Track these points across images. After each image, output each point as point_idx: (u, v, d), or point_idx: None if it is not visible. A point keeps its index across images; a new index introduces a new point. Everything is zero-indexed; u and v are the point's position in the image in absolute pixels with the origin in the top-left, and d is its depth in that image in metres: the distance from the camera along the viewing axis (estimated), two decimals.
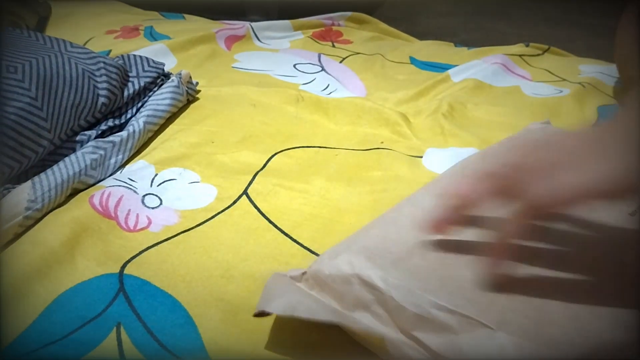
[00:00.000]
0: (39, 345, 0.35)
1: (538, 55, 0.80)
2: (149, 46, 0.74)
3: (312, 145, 0.57)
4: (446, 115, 0.62)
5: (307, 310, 0.34)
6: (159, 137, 0.57)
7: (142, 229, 0.45)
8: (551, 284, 0.33)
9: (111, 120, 0.56)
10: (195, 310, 0.38)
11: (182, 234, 0.44)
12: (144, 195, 0.48)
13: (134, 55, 0.63)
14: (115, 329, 0.37)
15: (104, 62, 0.57)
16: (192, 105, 0.63)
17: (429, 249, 0.36)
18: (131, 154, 0.54)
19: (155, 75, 0.62)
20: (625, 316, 0.31)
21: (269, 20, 0.86)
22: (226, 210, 0.47)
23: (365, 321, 0.34)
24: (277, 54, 0.79)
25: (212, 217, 0.46)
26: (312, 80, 0.70)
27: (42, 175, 0.47)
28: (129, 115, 0.58)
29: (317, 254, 0.43)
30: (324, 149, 0.56)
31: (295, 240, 0.44)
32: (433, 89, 0.69)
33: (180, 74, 0.62)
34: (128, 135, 0.54)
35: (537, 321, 0.31)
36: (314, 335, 0.36)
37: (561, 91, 0.68)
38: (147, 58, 0.63)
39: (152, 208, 0.47)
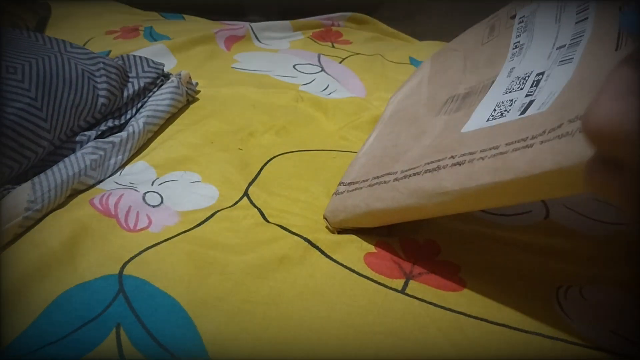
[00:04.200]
0: (38, 346, 0.35)
1: None
2: (149, 46, 0.74)
3: (311, 147, 0.57)
4: None
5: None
6: (158, 137, 0.57)
7: (142, 229, 0.45)
8: None
9: (111, 120, 0.56)
10: (195, 311, 0.38)
11: (182, 234, 0.44)
12: (145, 193, 0.48)
13: (134, 56, 0.63)
14: (114, 329, 0.37)
15: (104, 63, 0.57)
16: (191, 106, 0.63)
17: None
18: (131, 154, 0.54)
19: (155, 75, 0.62)
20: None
21: (268, 21, 0.86)
22: (226, 211, 0.47)
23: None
24: (277, 54, 0.79)
25: (212, 217, 0.46)
26: (312, 81, 0.70)
27: (42, 175, 0.47)
28: (128, 116, 0.58)
29: (317, 247, 0.43)
30: (323, 151, 0.56)
31: (295, 234, 0.44)
32: None
33: (180, 75, 0.62)
34: (128, 135, 0.54)
35: None
36: None
37: None
38: (146, 58, 0.63)
39: (153, 207, 0.47)
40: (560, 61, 0.34)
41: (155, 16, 0.94)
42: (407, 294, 0.40)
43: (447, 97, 0.44)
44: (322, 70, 0.74)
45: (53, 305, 0.38)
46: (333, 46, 0.83)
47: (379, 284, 0.40)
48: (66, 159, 0.49)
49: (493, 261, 0.43)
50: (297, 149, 0.56)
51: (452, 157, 0.35)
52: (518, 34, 0.40)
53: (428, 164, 0.37)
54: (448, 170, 0.35)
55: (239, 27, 0.83)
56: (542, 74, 0.35)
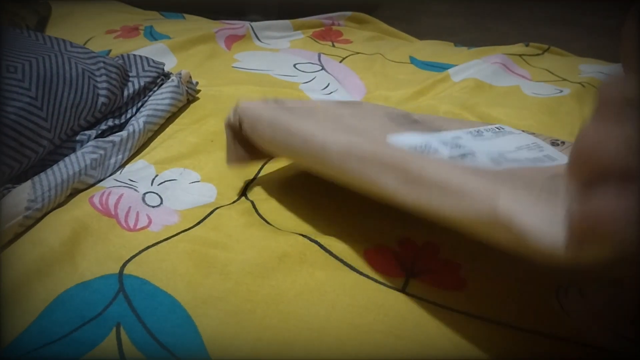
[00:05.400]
0: (39, 345, 0.36)
1: (538, 55, 0.80)
2: (149, 46, 0.74)
3: None
4: (447, 115, 0.62)
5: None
6: (159, 136, 0.57)
7: (142, 228, 0.45)
8: None
9: (111, 120, 0.56)
10: (195, 310, 0.38)
11: (182, 234, 0.44)
12: (144, 194, 0.48)
13: (134, 55, 0.63)
14: (114, 328, 0.37)
15: (104, 62, 0.57)
16: (192, 105, 0.63)
17: None
18: (131, 153, 0.54)
19: (155, 75, 0.62)
20: None
21: (269, 20, 0.86)
22: (225, 210, 0.47)
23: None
24: (277, 53, 0.79)
25: (211, 215, 0.46)
26: (312, 79, 0.70)
27: (42, 175, 0.47)
28: (129, 115, 0.58)
29: (317, 242, 0.43)
30: None
31: (294, 232, 0.44)
32: (433, 88, 0.69)
33: (180, 74, 0.62)
34: (128, 135, 0.54)
35: None
36: None
37: (561, 91, 0.68)
38: (147, 58, 0.63)
39: (153, 207, 0.47)
40: (492, 160, 0.41)
41: (156, 15, 0.94)
42: (408, 293, 0.40)
43: (406, 113, 0.50)
44: (323, 69, 0.74)
45: (53, 305, 0.38)
46: (333, 45, 0.83)
47: (380, 282, 0.40)
48: (66, 158, 0.49)
49: (493, 260, 0.43)
50: None
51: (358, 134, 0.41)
52: (488, 129, 0.47)
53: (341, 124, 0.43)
54: (347, 134, 0.40)
55: (239, 26, 0.83)
56: (473, 154, 0.41)
